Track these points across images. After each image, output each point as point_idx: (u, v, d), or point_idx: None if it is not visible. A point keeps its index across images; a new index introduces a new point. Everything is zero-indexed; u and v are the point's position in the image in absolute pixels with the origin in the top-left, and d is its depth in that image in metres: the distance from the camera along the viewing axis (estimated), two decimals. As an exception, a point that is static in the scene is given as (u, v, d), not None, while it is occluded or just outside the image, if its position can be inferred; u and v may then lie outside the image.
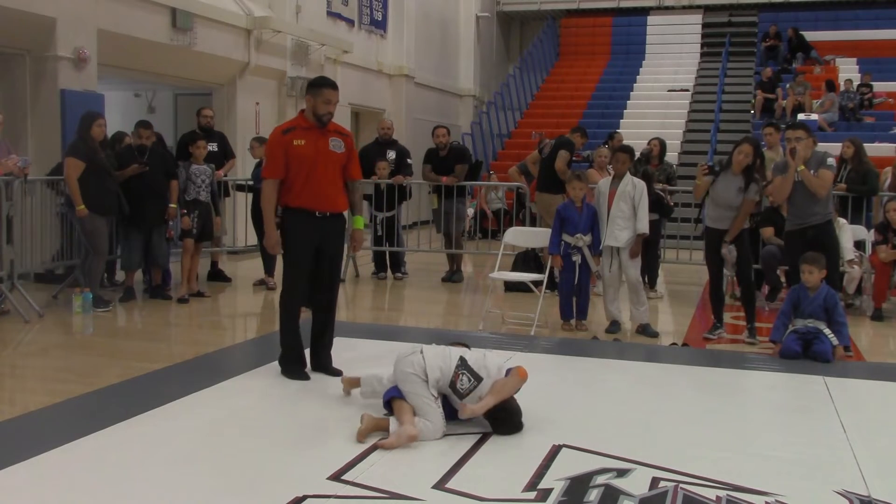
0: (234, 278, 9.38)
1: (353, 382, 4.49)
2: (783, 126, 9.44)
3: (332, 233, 5.07)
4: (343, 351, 5.32)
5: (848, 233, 7.82)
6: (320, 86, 4.94)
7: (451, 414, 4.05)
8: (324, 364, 5.12)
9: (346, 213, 5.23)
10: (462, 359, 4.02)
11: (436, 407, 3.93)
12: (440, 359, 4.02)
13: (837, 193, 8.60)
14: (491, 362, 4.09)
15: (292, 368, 5.01)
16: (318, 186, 4.92)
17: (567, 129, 9.69)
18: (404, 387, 4.00)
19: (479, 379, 3.98)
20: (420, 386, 3.96)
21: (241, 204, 9.87)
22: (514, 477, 3.45)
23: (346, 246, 5.56)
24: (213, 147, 8.93)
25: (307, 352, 5.17)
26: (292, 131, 4.92)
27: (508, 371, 4.09)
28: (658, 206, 8.39)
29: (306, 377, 4.96)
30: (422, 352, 4.06)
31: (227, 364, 5.50)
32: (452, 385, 3.98)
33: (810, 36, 19.52)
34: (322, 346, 5.15)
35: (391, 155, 9.63)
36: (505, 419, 4.00)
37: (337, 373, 5.00)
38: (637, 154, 8.04)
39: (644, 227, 6.69)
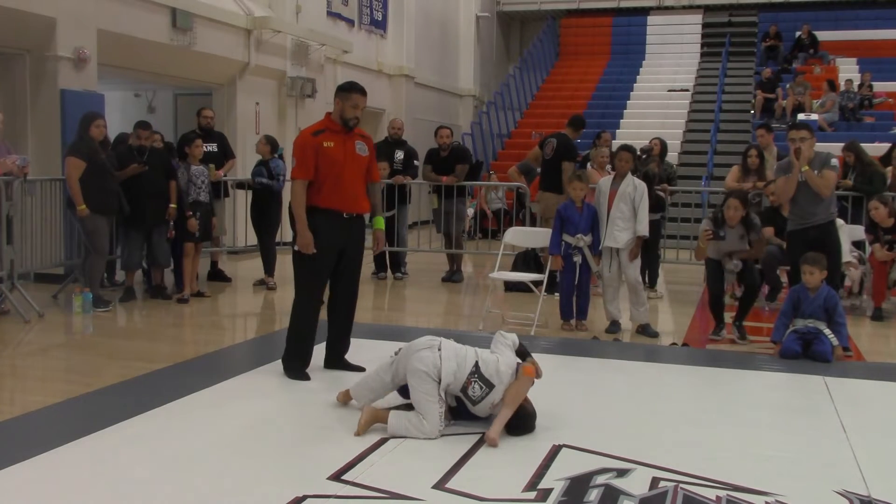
0: (234, 278, 9.38)
1: (347, 396, 4.37)
2: (784, 127, 9.45)
3: (356, 234, 5.13)
4: (343, 351, 5.31)
5: (845, 234, 7.81)
6: (350, 90, 5.00)
7: (464, 414, 4.04)
8: (346, 363, 5.17)
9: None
10: (476, 365, 3.96)
11: (437, 408, 3.90)
12: (455, 363, 3.95)
13: (851, 194, 8.61)
14: (504, 366, 4.00)
15: (296, 367, 5.01)
16: (346, 188, 4.98)
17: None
18: (412, 380, 3.95)
19: (490, 386, 3.94)
20: (429, 384, 3.91)
21: (241, 204, 9.87)
22: (514, 477, 3.45)
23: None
24: (212, 147, 8.93)
25: (325, 352, 5.20)
26: (322, 133, 4.97)
27: (518, 367, 4.04)
28: (659, 206, 8.40)
29: (307, 377, 4.97)
30: (440, 349, 3.98)
31: (227, 364, 5.50)
32: (464, 390, 3.95)
33: (811, 36, 19.56)
34: (344, 346, 5.20)
35: (399, 155, 9.65)
36: (519, 424, 3.98)
37: (359, 369, 5.05)
38: (637, 151, 8.03)
39: (644, 229, 6.68)
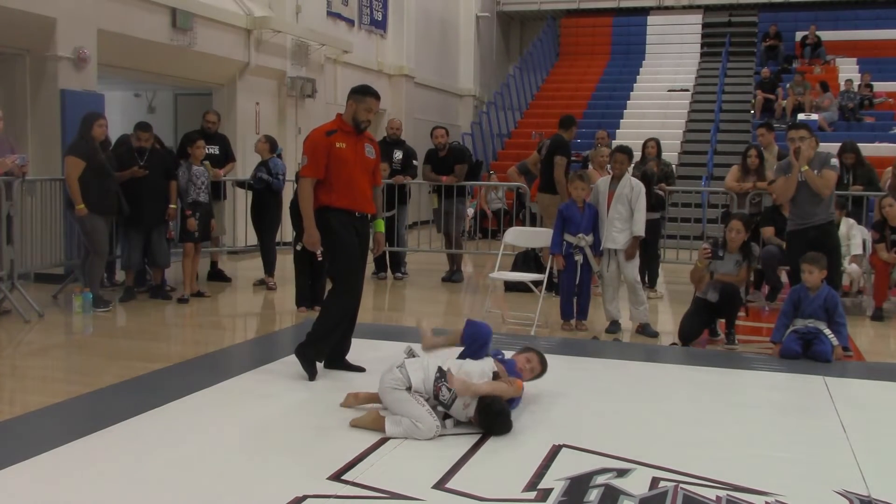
0: (234, 278, 9.38)
1: (372, 397, 4.30)
2: (784, 127, 9.44)
3: (365, 234, 5.16)
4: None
5: (858, 231, 7.84)
6: (365, 94, 5.04)
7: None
8: (346, 363, 5.18)
9: None
10: (440, 369, 4.00)
11: (421, 407, 3.90)
12: (422, 373, 3.99)
13: (852, 194, 8.62)
14: (472, 366, 4.07)
15: (313, 358, 5.00)
16: (357, 188, 5.01)
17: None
18: (386, 399, 4.00)
19: None
20: (400, 392, 3.95)
21: (241, 204, 9.87)
22: (514, 477, 3.45)
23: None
24: (214, 150, 8.92)
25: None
26: (334, 133, 4.99)
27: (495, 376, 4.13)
28: (659, 205, 8.39)
29: (314, 375, 4.97)
30: (400, 366, 4.03)
31: (227, 364, 5.50)
32: (435, 396, 3.98)
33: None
34: (346, 346, 5.21)
35: (398, 155, 9.65)
36: (491, 413, 3.97)
37: (359, 369, 5.08)
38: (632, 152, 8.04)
39: (640, 229, 6.67)
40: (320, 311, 5.18)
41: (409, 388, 3.95)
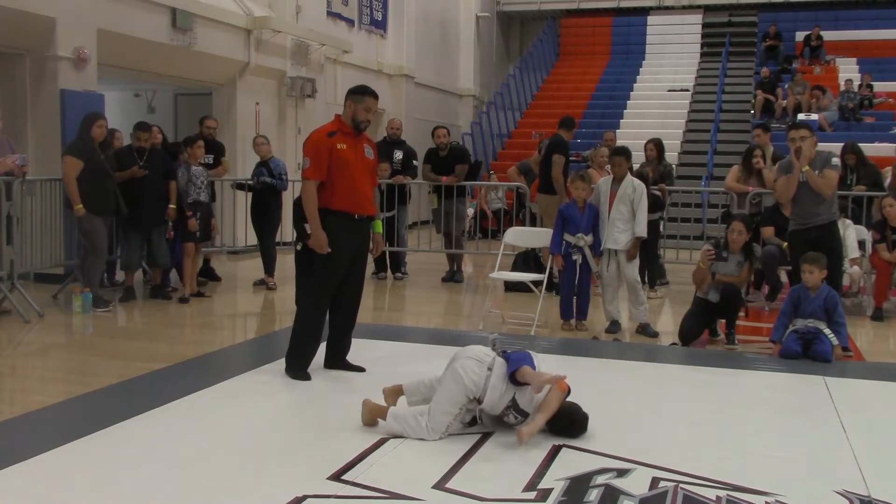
0: (235, 278, 9.38)
1: (396, 391, 4.26)
2: (783, 127, 9.43)
3: (366, 235, 5.15)
4: (343, 351, 5.30)
5: (853, 231, 7.84)
6: (363, 93, 5.00)
7: (484, 420, 4.03)
8: (346, 363, 5.18)
9: None
10: (513, 399, 3.90)
11: (449, 418, 3.86)
12: (498, 393, 3.89)
13: (855, 194, 8.62)
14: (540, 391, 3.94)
15: (299, 366, 5.00)
16: (358, 190, 5.00)
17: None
18: (449, 379, 3.91)
19: (525, 415, 3.93)
20: (459, 395, 3.88)
21: (241, 204, 9.87)
22: (514, 477, 3.45)
23: None
24: (209, 160, 8.86)
25: (325, 352, 5.19)
26: (335, 135, 4.96)
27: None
28: (657, 206, 8.40)
29: (308, 377, 4.96)
30: (490, 368, 3.91)
31: (227, 364, 5.51)
32: (502, 416, 3.95)
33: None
34: (345, 346, 5.21)
35: (398, 155, 9.64)
36: (570, 423, 3.96)
37: (359, 369, 5.07)
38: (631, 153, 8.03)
39: (642, 230, 6.67)
40: (294, 319, 5.15)
41: (478, 400, 3.89)
